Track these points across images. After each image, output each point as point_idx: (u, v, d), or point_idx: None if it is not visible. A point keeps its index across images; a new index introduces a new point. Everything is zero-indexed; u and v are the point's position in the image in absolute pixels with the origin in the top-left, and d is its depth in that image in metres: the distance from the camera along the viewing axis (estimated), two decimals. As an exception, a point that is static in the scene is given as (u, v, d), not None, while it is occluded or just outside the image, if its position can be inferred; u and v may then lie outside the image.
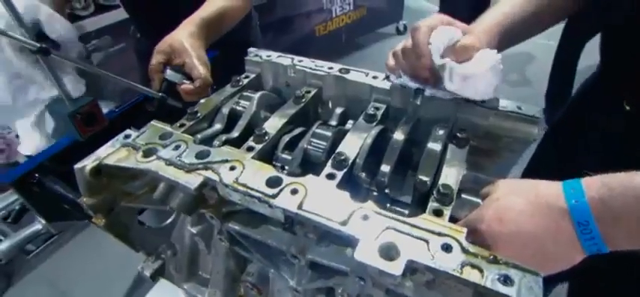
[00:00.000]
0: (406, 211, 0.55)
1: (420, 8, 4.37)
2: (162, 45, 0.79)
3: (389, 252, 0.38)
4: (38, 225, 0.83)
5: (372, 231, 0.40)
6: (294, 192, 0.45)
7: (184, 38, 0.78)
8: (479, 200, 0.54)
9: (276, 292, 0.59)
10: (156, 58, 0.78)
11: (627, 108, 0.68)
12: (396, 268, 0.36)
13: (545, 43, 2.50)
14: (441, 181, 0.49)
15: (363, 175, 0.54)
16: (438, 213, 0.45)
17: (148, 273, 0.68)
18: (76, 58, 0.73)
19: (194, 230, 0.65)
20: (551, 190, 0.44)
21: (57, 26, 0.89)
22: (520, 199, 0.45)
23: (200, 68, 0.75)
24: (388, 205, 0.56)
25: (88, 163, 0.54)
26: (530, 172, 0.96)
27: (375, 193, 0.57)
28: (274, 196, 0.45)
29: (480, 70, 0.55)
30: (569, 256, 0.43)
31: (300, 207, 0.43)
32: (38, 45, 0.60)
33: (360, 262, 0.37)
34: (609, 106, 0.73)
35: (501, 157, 0.66)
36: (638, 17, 0.62)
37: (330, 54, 3.67)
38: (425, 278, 0.42)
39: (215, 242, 0.62)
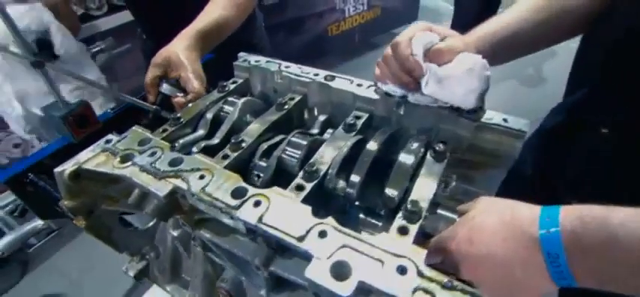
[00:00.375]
0: (380, 224, 0.54)
1: (436, 8, 4.28)
2: (158, 58, 0.79)
3: (341, 271, 0.37)
4: (39, 221, 0.87)
5: (327, 248, 0.39)
6: (257, 204, 0.45)
7: (180, 51, 0.78)
8: (455, 216, 0.53)
9: (249, 300, 0.59)
10: (152, 72, 0.79)
11: (604, 131, 0.65)
12: (345, 289, 0.35)
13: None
14: (412, 196, 0.48)
15: (339, 186, 0.53)
16: (403, 231, 0.44)
17: (131, 273, 0.70)
18: (70, 70, 0.75)
19: (175, 234, 0.66)
20: (527, 214, 0.41)
21: (59, 39, 0.92)
22: (494, 221, 0.43)
23: (194, 82, 0.76)
24: (363, 216, 0.55)
25: (68, 167, 0.55)
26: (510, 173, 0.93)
27: (349, 205, 0.56)
28: (237, 208, 0.45)
29: (456, 72, 0.53)
30: (538, 285, 0.41)
31: (260, 220, 0.43)
32: (33, 58, 0.62)
33: (311, 280, 0.37)
34: (589, 127, 0.71)
35: (490, 169, 0.64)
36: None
37: (343, 54, 3.65)
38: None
39: (193, 247, 0.63)
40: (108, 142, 0.59)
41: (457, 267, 0.45)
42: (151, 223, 0.68)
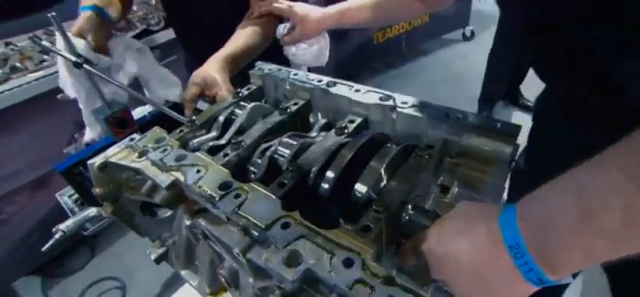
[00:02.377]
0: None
1: (491, 12, 4.07)
2: (196, 78, 0.90)
3: (293, 259, 0.41)
4: (93, 209, 1.02)
5: (286, 238, 0.43)
6: (237, 196, 0.50)
7: (216, 73, 0.90)
8: (432, 220, 0.53)
9: (243, 287, 0.64)
10: (191, 90, 0.90)
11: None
12: (291, 274, 0.39)
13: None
14: (382, 197, 0.50)
15: (319, 183, 0.57)
16: (366, 229, 0.46)
17: (153, 257, 0.79)
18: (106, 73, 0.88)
19: (188, 223, 0.73)
20: (492, 211, 0.42)
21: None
22: (461, 220, 0.44)
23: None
24: (342, 214, 0.57)
25: (98, 159, 0.66)
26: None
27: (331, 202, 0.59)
28: (219, 199, 0.50)
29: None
30: (510, 288, 0.40)
31: (236, 210, 0.48)
32: (74, 59, 0.75)
33: (264, 265, 0.41)
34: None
35: (487, 175, 0.63)
36: None
37: (390, 61, 3.63)
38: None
39: (197, 235, 0.70)
40: (132, 139, 0.68)
41: (428, 268, 0.46)
42: (170, 213, 0.77)
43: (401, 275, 0.38)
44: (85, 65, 0.81)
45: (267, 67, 0.86)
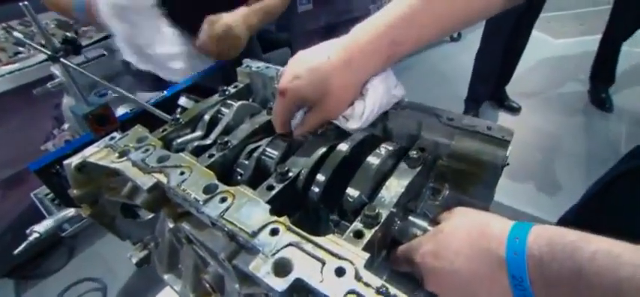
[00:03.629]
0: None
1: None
2: (224, 23, 1.00)
3: (281, 268, 0.39)
4: (72, 209, 0.97)
5: (274, 245, 0.41)
6: (223, 200, 0.48)
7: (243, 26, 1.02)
8: (425, 224, 0.52)
9: (229, 293, 0.62)
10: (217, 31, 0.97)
11: None
12: (280, 284, 0.37)
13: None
14: (375, 201, 0.48)
15: (309, 187, 0.55)
16: (358, 235, 0.44)
17: (134, 260, 0.76)
18: (83, 70, 0.84)
19: (171, 226, 0.70)
20: (496, 233, 0.40)
21: None
22: (461, 236, 0.43)
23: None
24: (335, 218, 0.56)
25: (75, 159, 0.62)
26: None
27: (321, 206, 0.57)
28: (204, 202, 0.48)
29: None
30: None
31: (222, 214, 0.46)
32: (49, 53, 0.71)
33: (251, 273, 0.39)
34: None
35: (478, 179, 0.62)
36: None
37: (377, 60, 3.63)
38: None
39: (181, 239, 0.67)
40: (112, 138, 0.65)
41: (422, 278, 0.44)
42: (152, 215, 0.74)
43: (393, 285, 0.37)
44: (62, 59, 0.77)
45: (255, 65, 0.84)
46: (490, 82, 2.68)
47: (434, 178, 0.63)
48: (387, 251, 0.53)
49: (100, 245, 2.15)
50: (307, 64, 0.57)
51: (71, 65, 0.79)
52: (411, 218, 0.53)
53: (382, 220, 0.46)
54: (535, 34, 2.53)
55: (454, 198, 0.65)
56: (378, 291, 0.36)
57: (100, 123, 0.84)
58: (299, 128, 0.61)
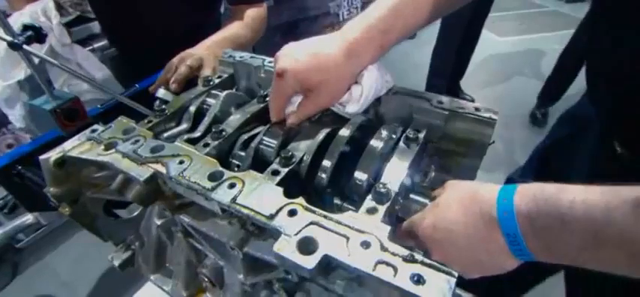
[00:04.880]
0: (354, 210, 0.56)
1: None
2: (188, 56, 0.90)
3: (307, 247, 0.39)
4: (29, 216, 0.88)
5: (295, 226, 0.41)
6: (232, 186, 0.47)
7: (208, 55, 0.91)
8: (426, 201, 0.55)
9: (229, 285, 0.60)
10: (186, 70, 0.87)
11: (619, 150, 0.65)
12: (310, 262, 0.37)
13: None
14: (382, 179, 0.50)
15: (313, 174, 0.55)
16: (371, 211, 0.45)
17: (117, 263, 0.71)
18: (48, 56, 0.77)
19: (159, 222, 0.67)
20: (486, 197, 0.43)
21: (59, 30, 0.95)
22: (456, 206, 0.45)
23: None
24: (338, 202, 0.57)
25: (53, 154, 0.57)
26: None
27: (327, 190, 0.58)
28: (212, 189, 0.46)
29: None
30: (502, 263, 0.43)
31: (234, 200, 0.45)
32: (10, 39, 0.64)
33: (278, 255, 0.39)
34: (599, 144, 0.70)
35: (464, 158, 0.66)
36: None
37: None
38: (349, 274, 0.43)
39: (175, 234, 0.64)
40: (94, 131, 0.60)
41: (427, 249, 0.47)
42: (136, 213, 0.70)
43: (419, 252, 0.39)
44: (24, 46, 0.70)
45: (238, 54, 0.82)
46: (445, 77, 2.83)
47: (424, 159, 0.66)
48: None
49: (52, 258, 1.96)
50: (306, 50, 0.58)
51: (36, 54, 0.72)
52: (412, 196, 0.55)
53: (392, 196, 0.48)
54: (483, 32, 2.72)
55: (439, 179, 0.69)
56: (405, 259, 0.37)
57: (70, 118, 0.78)
58: (294, 116, 0.61)
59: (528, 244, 0.39)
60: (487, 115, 0.60)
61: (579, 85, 2.60)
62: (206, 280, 0.61)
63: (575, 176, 0.39)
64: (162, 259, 0.72)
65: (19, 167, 0.76)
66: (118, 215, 0.75)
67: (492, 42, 3.88)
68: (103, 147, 0.56)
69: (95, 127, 0.62)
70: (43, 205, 0.82)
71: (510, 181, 0.97)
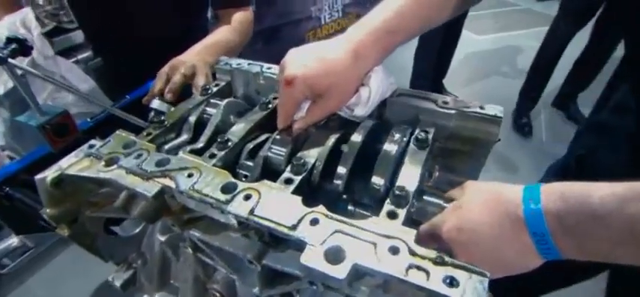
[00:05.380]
0: (368, 214, 0.55)
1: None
2: (179, 64, 0.86)
3: (335, 256, 0.38)
4: (14, 239, 0.83)
5: (320, 235, 0.40)
6: (248, 197, 0.45)
7: (200, 61, 0.87)
8: (441, 202, 0.54)
9: (242, 300, 0.58)
10: (180, 79, 0.83)
11: None
12: (340, 271, 0.36)
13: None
14: (398, 183, 0.49)
15: (327, 178, 0.54)
16: (392, 215, 0.45)
17: (118, 283, 0.68)
18: (37, 71, 0.73)
19: (162, 238, 0.65)
20: (511, 197, 0.44)
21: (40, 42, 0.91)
22: (480, 208, 0.45)
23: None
24: (351, 207, 0.56)
25: (49, 173, 0.54)
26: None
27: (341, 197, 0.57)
28: (227, 202, 0.45)
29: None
30: (527, 262, 0.43)
31: (251, 212, 0.43)
32: None
33: (306, 266, 0.37)
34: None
35: (470, 157, 0.67)
36: None
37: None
38: (377, 281, 0.42)
39: (182, 250, 0.62)
40: (91, 147, 0.58)
41: (450, 251, 0.46)
42: (138, 230, 0.67)
43: (446, 254, 0.38)
44: (10, 60, 0.66)
45: (235, 62, 0.80)
46: (429, 76, 2.88)
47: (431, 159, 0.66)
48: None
49: (35, 282, 1.87)
50: (314, 54, 0.57)
51: (22, 68, 0.68)
52: (426, 198, 0.55)
53: (410, 199, 0.47)
54: (462, 31, 2.78)
55: (443, 178, 0.70)
56: (435, 262, 0.37)
57: (59, 134, 0.74)
58: (301, 121, 0.60)
59: (557, 242, 0.39)
60: (493, 113, 0.60)
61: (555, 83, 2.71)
62: (217, 295, 0.59)
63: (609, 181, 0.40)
64: (167, 277, 0.69)
65: (7, 188, 0.72)
66: (117, 233, 0.72)
67: (471, 41, 3.97)
68: (103, 163, 0.54)
69: (93, 142, 0.59)
70: (33, 227, 0.78)
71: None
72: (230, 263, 0.54)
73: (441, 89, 3.06)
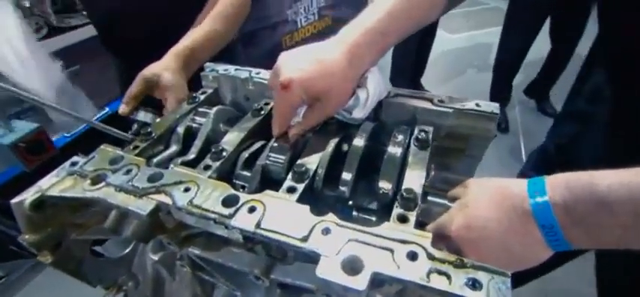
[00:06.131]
0: (374, 219, 0.54)
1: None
2: (148, 73, 0.76)
3: (352, 266, 0.36)
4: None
5: (334, 245, 0.38)
6: (252, 210, 0.43)
7: (172, 73, 0.77)
8: (445, 202, 0.54)
9: (245, 316, 0.56)
10: (139, 85, 0.76)
11: None
12: (360, 282, 0.35)
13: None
14: (404, 185, 0.48)
15: (328, 186, 0.53)
16: (402, 219, 0.44)
17: (107, 308, 0.63)
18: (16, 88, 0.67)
19: (155, 257, 0.61)
20: (516, 191, 0.44)
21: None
22: (487, 204, 0.45)
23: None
24: (354, 213, 0.55)
25: (28, 196, 0.50)
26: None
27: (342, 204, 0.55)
28: (231, 216, 0.42)
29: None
30: (536, 255, 0.43)
31: (258, 225, 0.41)
32: None
33: (323, 280, 0.36)
34: (617, 131, 0.73)
35: (466, 154, 0.67)
36: None
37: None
38: (394, 289, 0.41)
39: (178, 269, 0.58)
40: (74, 164, 0.53)
41: (459, 250, 0.46)
42: (127, 250, 0.63)
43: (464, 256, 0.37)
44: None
45: (221, 68, 0.77)
46: (407, 75, 2.92)
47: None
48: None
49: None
50: (309, 57, 0.55)
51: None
52: (430, 198, 0.54)
53: (419, 201, 0.46)
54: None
55: (439, 177, 0.69)
56: (454, 265, 0.36)
57: (34, 152, 0.69)
58: (297, 126, 0.58)
59: (566, 232, 0.40)
60: (489, 110, 0.60)
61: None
62: (217, 313, 0.56)
63: (592, 167, 0.40)
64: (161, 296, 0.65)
65: (-24, 215, 0.66)
66: (102, 254, 0.67)
67: (444, 39, 4.07)
68: (89, 181, 0.50)
69: (75, 158, 0.55)
70: (5, 255, 0.72)
71: (523, 175, 1.00)
72: (232, 279, 0.51)
73: (419, 87, 3.11)
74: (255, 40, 3.08)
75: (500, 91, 2.78)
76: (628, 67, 0.69)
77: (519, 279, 1.13)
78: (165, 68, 0.77)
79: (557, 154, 0.94)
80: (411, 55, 2.80)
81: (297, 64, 0.54)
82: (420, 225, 0.53)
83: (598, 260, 0.94)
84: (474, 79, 3.47)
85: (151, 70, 0.77)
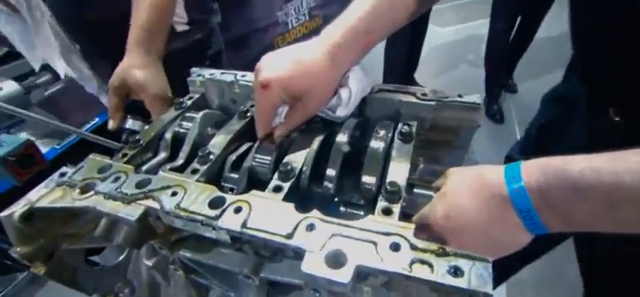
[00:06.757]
0: (361, 213, 0.55)
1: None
2: (116, 82, 0.74)
3: (336, 260, 0.37)
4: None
5: (318, 240, 0.39)
6: (238, 210, 0.44)
7: (137, 70, 0.73)
8: (431, 193, 0.55)
9: (239, 316, 0.56)
10: (112, 100, 0.74)
11: (615, 119, 0.67)
12: (344, 275, 0.35)
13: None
14: (388, 178, 0.49)
15: (314, 184, 0.53)
16: (387, 212, 0.45)
17: (103, 317, 0.64)
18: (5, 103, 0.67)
19: (150, 263, 0.61)
20: (494, 178, 0.44)
21: None
22: (466, 192, 0.46)
23: (156, 108, 0.73)
24: (342, 208, 0.55)
25: (17, 209, 0.50)
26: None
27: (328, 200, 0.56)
28: (217, 217, 0.43)
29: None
30: (517, 240, 0.44)
31: (244, 225, 0.42)
32: None
33: (309, 274, 0.36)
34: (593, 114, 0.73)
35: (452, 146, 0.68)
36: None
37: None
38: (380, 281, 0.42)
39: (172, 273, 0.59)
40: (62, 174, 0.54)
41: (442, 239, 0.47)
42: (122, 257, 0.64)
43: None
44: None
45: (207, 72, 0.78)
46: (400, 71, 2.93)
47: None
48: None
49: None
50: (289, 57, 0.56)
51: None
52: (416, 190, 0.55)
53: (403, 194, 0.47)
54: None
55: (428, 169, 0.70)
56: (437, 253, 0.37)
57: (24, 165, 0.69)
58: (281, 127, 0.59)
59: (542, 216, 0.40)
60: (471, 100, 0.61)
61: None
62: (212, 315, 0.57)
63: (572, 150, 0.40)
64: (156, 302, 0.66)
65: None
66: (97, 262, 0.68)
67: (435, 33, 4.08)
68: (78, 191, 0.50)
69: (64, 169, 0.55)
70: (1, 269, 0.72)
71: (509, 159, 1.01)
72: (225, 280, 0.52)
73: (412, 82, 3.12)
74: (247, 44, 3.09)
75: (494, 80, 2.81)
76: (594, 45, 0.70)
77: (508, 268, 1.14)
78: (129, 66, 0.74)
79: (539, 138, 0.95)
80: (402, 52, 2.80)
81: (277, 63, 0.55)
82: (406, 217, 0.54)
83: (576, 243, 0.95)
84: (467, 72, 3.48)
85: (117, 76, 0.74)
